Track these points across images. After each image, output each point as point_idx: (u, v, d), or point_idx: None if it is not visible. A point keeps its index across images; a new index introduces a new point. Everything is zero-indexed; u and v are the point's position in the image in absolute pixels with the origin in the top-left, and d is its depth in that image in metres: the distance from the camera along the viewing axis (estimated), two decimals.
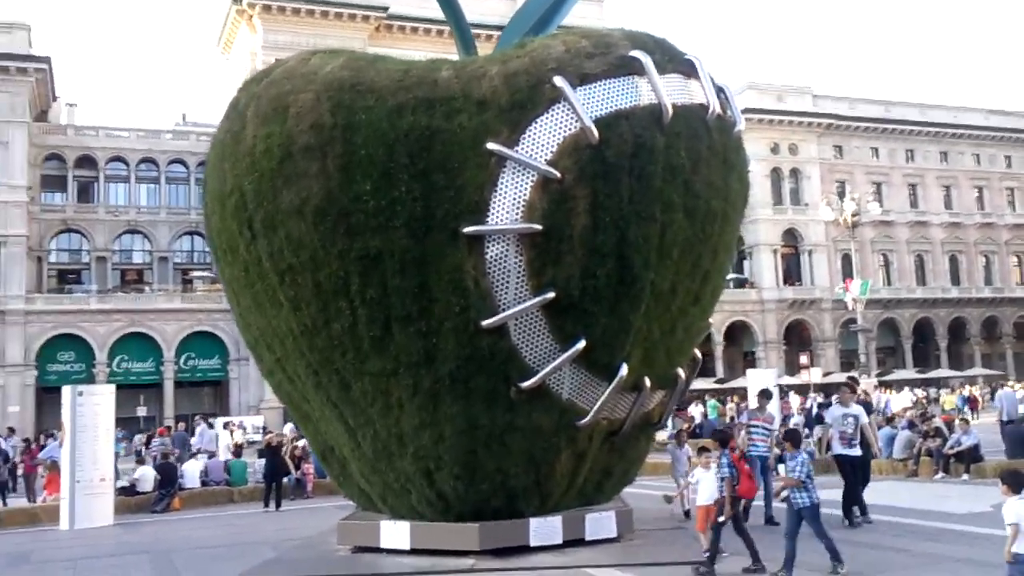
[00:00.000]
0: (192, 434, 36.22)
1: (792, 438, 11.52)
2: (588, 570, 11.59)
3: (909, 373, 71.20)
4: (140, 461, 25.18)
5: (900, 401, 43.86)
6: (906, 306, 78.32)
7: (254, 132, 11.63)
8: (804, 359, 62.91)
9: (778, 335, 73.76)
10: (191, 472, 24.03)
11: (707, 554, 11.27)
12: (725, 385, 63.04)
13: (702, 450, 12.29)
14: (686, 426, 22.59)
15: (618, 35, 12.22)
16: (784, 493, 11.13)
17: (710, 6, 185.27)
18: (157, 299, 60.45)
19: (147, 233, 64.68)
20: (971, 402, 49.13)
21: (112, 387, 22.36)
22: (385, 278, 11.13)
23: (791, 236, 75.74)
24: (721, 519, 11.24)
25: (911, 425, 24.10)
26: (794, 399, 42.15)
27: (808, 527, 10.86)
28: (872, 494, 15.00)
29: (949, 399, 49.20)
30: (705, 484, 11.66)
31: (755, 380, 27.66)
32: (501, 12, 57.49)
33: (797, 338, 75.39)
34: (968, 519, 14.51)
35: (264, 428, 44.34)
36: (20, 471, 27.21)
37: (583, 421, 11.79)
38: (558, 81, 11.11)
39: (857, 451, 14.63)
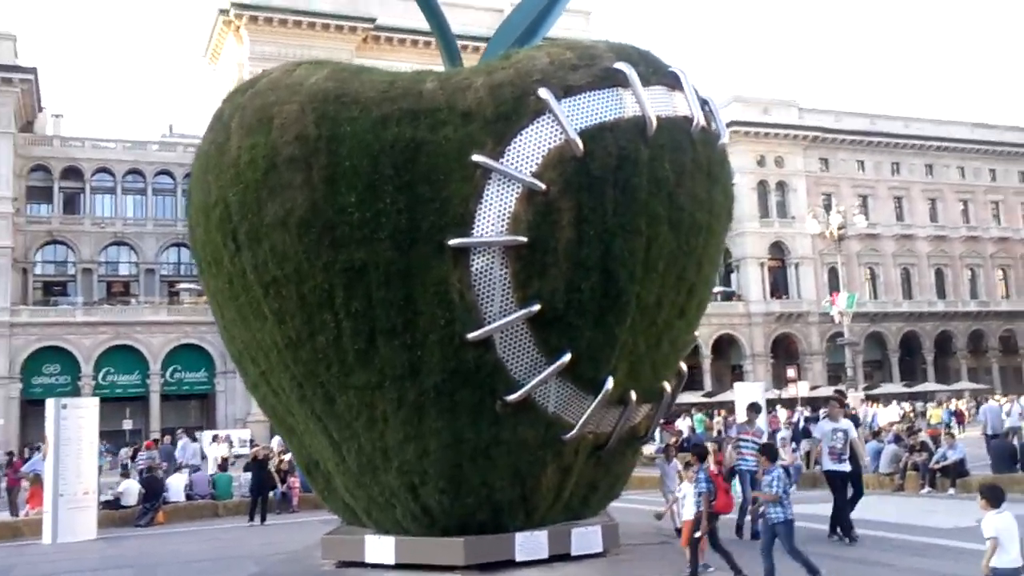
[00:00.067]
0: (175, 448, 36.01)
1: (767, 452, 11.46)
2: None
3: (896, 387, 71.46)
4: (125, 474, 25.03)
5: (887, 415, 43.94)
6: (892, 319, 78.63)
7: (238, 143, 11.58)
8: (791, 372, 63.09)
9: (765, 348, 73.95)
10: (176, 486, 23.89)
11: (688, 570, 11.24)
12: (713, 399, 63.14)
13: (688, 465, 12.24)
14: (674, 440, 22.58)
15: (603, 47, 12.22)
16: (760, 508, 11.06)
17: (697, 20, 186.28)
18: (143, 311, 60.27)
19: (133, 245, 64.54)
20: (958, 416, 49.27)
21: (96, 400, 22.20)
22: (370, 290, 11.08)
23: (778, 249, 76.02)
24: (697, 534, 11.20)
25: (897, 439, 24.13)
26: (781, 413, 42.16)
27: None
28: (858, 508, 14.97)
29: (936, 413, 49.33)
30: (691, 499, 11.62)
31: (742, 393, 27.58)
32: (487, 24, 57.50)
33: (784, 351, 75.58)
34: (954, 534, 14.49)
35: (251, 441, 44.15)
36: (3, 484, 27.03)
37: (569, 435, 11.73)
38: (543, 93, 11.10)
39: (847, 466, 14.56)
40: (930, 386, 73.50)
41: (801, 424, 31.15)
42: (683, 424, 42.58)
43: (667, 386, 13.22)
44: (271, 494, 22.35)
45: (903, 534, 14.83)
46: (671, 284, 11.89)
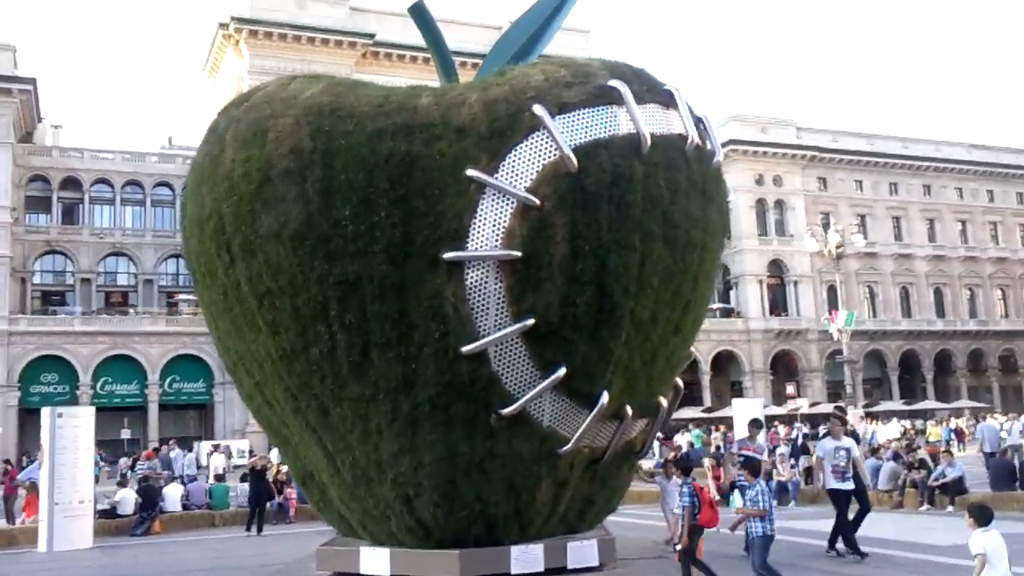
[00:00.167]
0: None
1: (749, 467, 11.47)
2: None
3: (896, 404, 71.34)
4: (122, 484, 25.04)
5: (888, 432, 43.93)
6: (892, 338, 78.67)
7: (233, 156, 11.62)
8: (791, 389, 63.04)
9: (765, 365, 73.94)
10: (172, 496, 23.88)
11: None
12: (712, 414, 63.08)
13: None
14: (672, 455, 22.54)
15: (597, 65, 12.28)
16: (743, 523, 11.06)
17: (696, 40, 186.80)
18: (142, 322, 60.30)
19: (132, 255, 64.60)
20: (958, 434, 49.30)
21: (92, 409, 22.21)
22: (364, 303, 11.10)
23: (776, 267, 76.16)
24: (678, 547, 11.22)
25: (896, 457, 24.14)
26: (781, 430, 42.13)
27: (770, 558, 10.77)
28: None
29: (935, 431, 49.35)
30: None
31: (741, 409, 27.61)
32: (485, 40, 57.74)
33: (784, 368, 75.61)
34: (952, 551, 14.43)
35: (250, 452, 44.16)
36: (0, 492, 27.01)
37: (564, 449, 11.72)
38: (537, 109, 11.15)
39: (851, 484, 14.54)
40: (930, 404, 73.36)
41: (800, 440, 31.14)
42: (682, 440, 42.54)
43: (663, 401, 13.21)
44: (268, 505, 22.35)
45: (902, 551, 14.83)
46: (666, 300, 11.90)
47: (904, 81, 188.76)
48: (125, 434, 55.09)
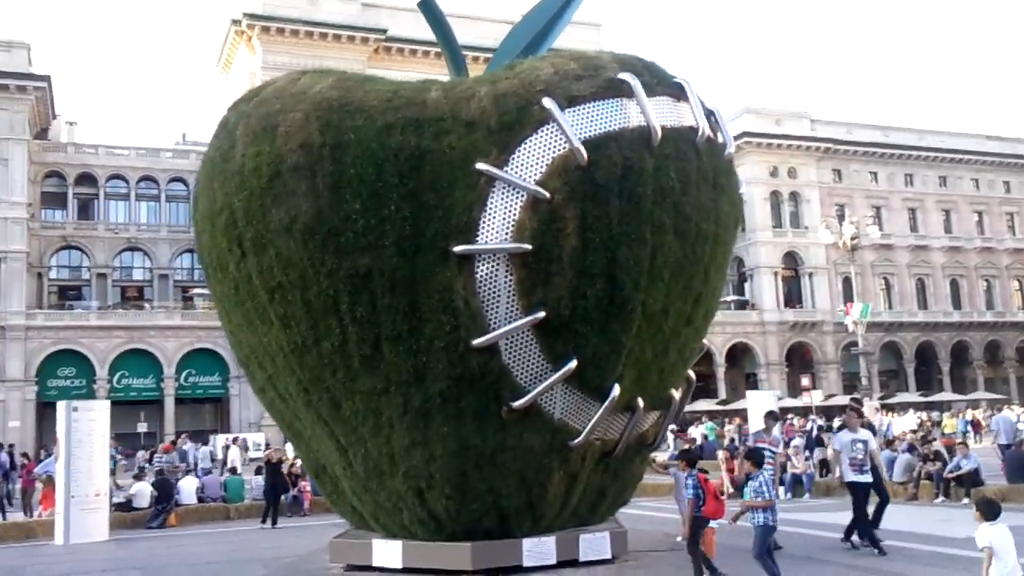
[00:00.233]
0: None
1: (752, 458, 11.45)
2: None
3: (912, 396, 71.12)
4: (138, 477, 25.21)
5: (904, 424, 43.75)
6: (908, 329, 78.31)
7: (243, 151, 11.66)
8: (806, 381, 62.81)
9: (780, 357, 73.77)
10: (187, 488, 24.03)
11: None
12: (727, 407, 62.96)
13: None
14: (687, 447, 22.49)
15: (607, 58, 12.27)
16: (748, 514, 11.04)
17: (709, 32, 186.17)
18: (157, 316, 60.62)
19: (147, 250, 64.92)
20: (975, 425, 49.10)
21: (107, 402, 22.37)
22: (375, 297, 11.13)
23: (791, 259, 75.88)
24: (679, 539, 11.21)
25: (911, 448, 24.05)
26: (796, 422, 42.02)
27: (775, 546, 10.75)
28: None
29: (950, 422, 49.13)
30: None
31: (755, 402, 27.58)
32: (497, 36, 57.37)
33: (799, 360, 75.37)
34: (967, 544, 14.25)
35: (266, 445, 44.35)
36: (18, 485, 27.25)
37: (575, 442, 11.73)
38: (546, 102, 11.16)
39: (868, 476, 14.49)
40: (947, 396, 73.14)
41: (815, 433, 31.06)
42: (696, 432, 42.46)
43: (675, 393, 13.21)
44: (283, 497, 22.45)
45: (916, 543, 14.78)
46: (677, 293, 11.89)
47: (919, 72, 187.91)
48: (141, 427, 55.41)
